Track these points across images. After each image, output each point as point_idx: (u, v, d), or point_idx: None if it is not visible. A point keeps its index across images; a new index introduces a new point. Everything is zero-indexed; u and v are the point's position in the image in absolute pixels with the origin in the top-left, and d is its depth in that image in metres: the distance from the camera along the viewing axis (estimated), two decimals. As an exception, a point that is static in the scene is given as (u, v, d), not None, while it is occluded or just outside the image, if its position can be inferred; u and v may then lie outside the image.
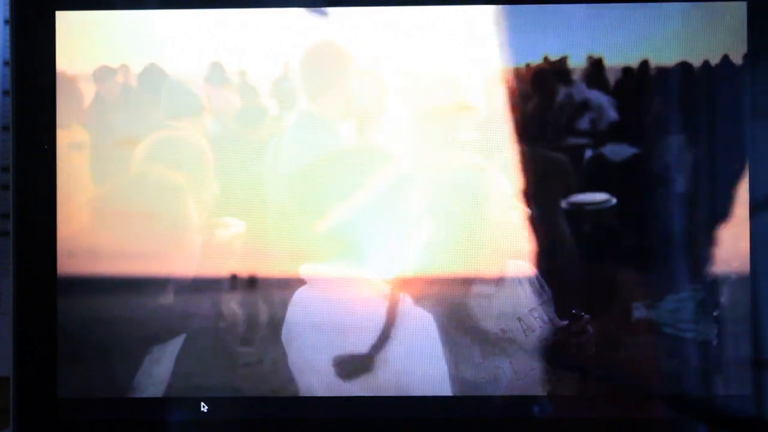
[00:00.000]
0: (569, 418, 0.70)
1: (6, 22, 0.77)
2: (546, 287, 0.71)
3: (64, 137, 0.71)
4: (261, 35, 0.71)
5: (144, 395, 0.71)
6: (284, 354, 0.71)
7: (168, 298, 0.71)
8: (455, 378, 0.71)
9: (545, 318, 0.71)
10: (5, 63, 0.79)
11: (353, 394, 0.71)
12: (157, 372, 0.72)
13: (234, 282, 0.71)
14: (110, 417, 0.71)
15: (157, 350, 0.72)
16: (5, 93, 0.79)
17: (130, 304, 0.71)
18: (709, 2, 0.69)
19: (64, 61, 0.71)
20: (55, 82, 0.71)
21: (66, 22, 0.71)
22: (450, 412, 0.70)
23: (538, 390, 0.70)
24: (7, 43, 0.72)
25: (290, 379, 0.71)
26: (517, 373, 0.71)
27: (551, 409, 0.70)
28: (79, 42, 0.71)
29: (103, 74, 0.72)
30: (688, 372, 0.70)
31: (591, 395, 0.70)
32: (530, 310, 0.71)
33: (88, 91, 0.71)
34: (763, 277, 0.69)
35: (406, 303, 0.71)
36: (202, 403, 0.71)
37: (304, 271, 0.71)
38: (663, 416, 0.70)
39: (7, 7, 0.71)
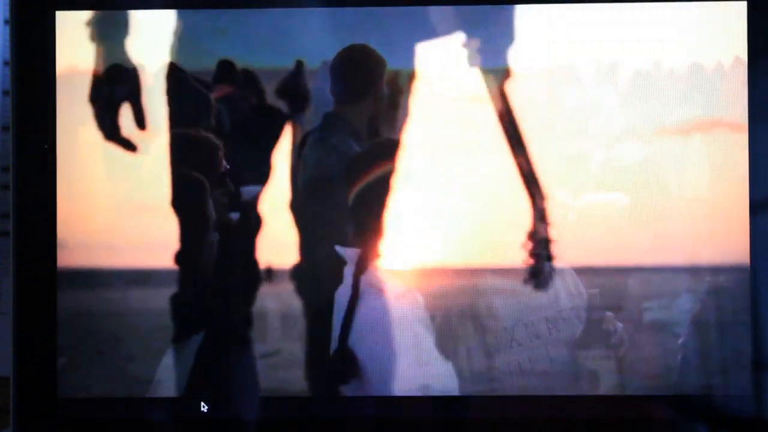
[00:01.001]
0: (569, 418, 0.70)
1: (6, 22, 0.77)
2: (582, 289, 0.71)
3: (64, 137, 0.71)
4: (270, 34, 0.71)
5: (145, 395, 0.71)
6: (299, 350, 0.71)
7: (169, 297, 0.71)
8: (462, 377, 0.71)
9: (574, 321, 0.71)
10: (5, 63, 0.79)
11: (351, 395, 0.71)
12: (159, 371, 0.72)
13: (237, 281, 0.71)
14: (110, 417, 0.71)
15: (159, 349, 0.72)
16: (5, 93, 0.79)
17: (131, 303, 0.71)
18: (709, 2, 0.69)
19: (65, 61, 0.71)
20: (55, 82, 0.71)
21: (66, 22, 0.71)
22: (457, 411, 0.70)
23: (543, 389, 0.71)
24: (7, 43, 0.72)
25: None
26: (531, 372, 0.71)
27: (551, 408, 0.70)
28: (80, 42, 0.71)
29: (105, 73, 0.72)
30: (688, 372, 0.70)
31: (591, 395, 0.70)
32: (559, 311, 0.71)
33: (90, 91, 0.71)
34: (763, 277, 0.69)
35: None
36: (202, 403, 0.71)
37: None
38: (663, 416, 0.70)
39: (7, 7, 0.71)
